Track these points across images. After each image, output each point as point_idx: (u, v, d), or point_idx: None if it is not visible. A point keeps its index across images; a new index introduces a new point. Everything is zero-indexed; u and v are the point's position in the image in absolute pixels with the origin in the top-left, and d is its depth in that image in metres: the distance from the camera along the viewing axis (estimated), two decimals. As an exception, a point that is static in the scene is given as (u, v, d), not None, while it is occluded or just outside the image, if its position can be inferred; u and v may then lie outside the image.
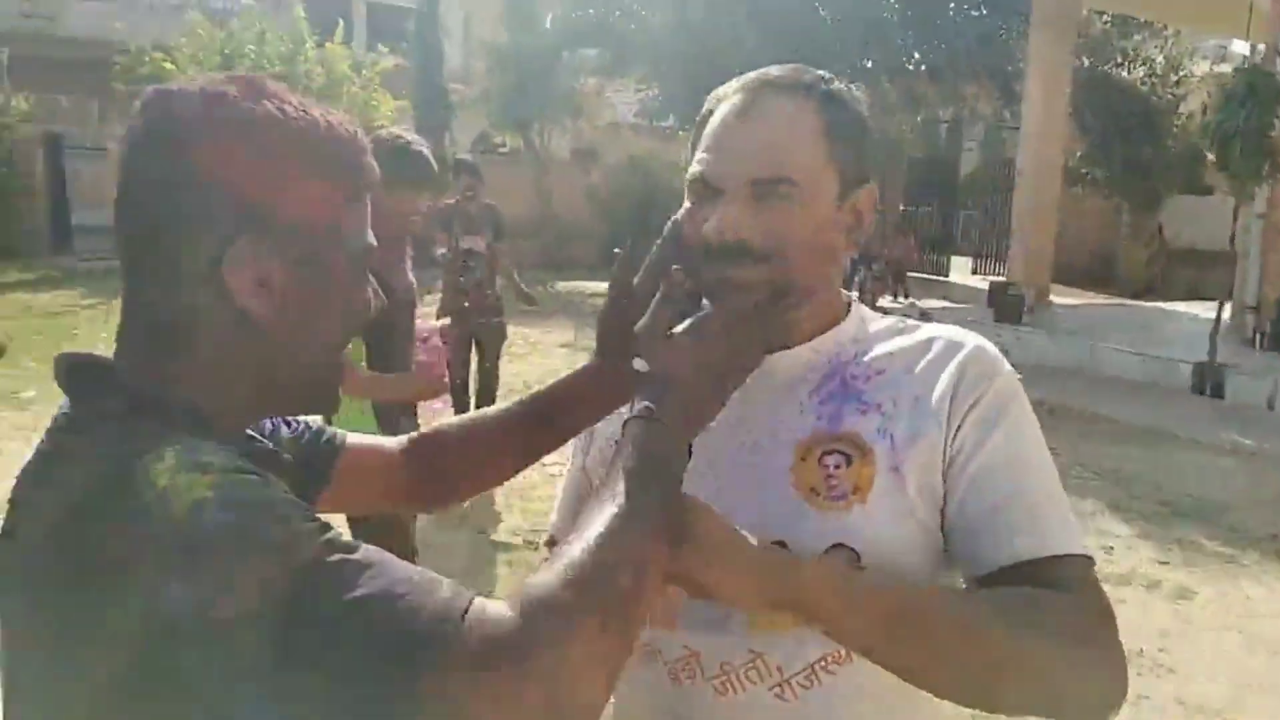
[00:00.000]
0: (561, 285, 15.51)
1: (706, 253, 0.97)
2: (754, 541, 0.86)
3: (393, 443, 1.12)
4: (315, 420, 1.06)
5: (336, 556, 0.64)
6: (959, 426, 0.98)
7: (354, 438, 1.08)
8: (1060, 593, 0.91)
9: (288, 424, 1.02)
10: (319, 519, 0.67)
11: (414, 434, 1.14)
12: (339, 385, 0.87)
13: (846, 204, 1.00)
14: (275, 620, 0.61)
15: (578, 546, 0.71)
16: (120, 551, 0.64)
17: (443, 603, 0.64)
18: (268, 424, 0.98)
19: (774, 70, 1.02)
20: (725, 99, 1.01)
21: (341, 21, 16.97)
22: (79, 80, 16.81)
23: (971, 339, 1.05)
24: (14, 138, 14.56)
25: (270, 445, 0.91)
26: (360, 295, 0.83)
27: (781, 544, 0.92)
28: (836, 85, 1.02)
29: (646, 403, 0.84)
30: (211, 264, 0.73)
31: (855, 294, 1.17)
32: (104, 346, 0.82)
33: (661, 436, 0.82)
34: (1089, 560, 0.96)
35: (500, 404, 1.16)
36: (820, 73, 1.03)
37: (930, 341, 1.04)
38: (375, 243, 0.83)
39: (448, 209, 5.58)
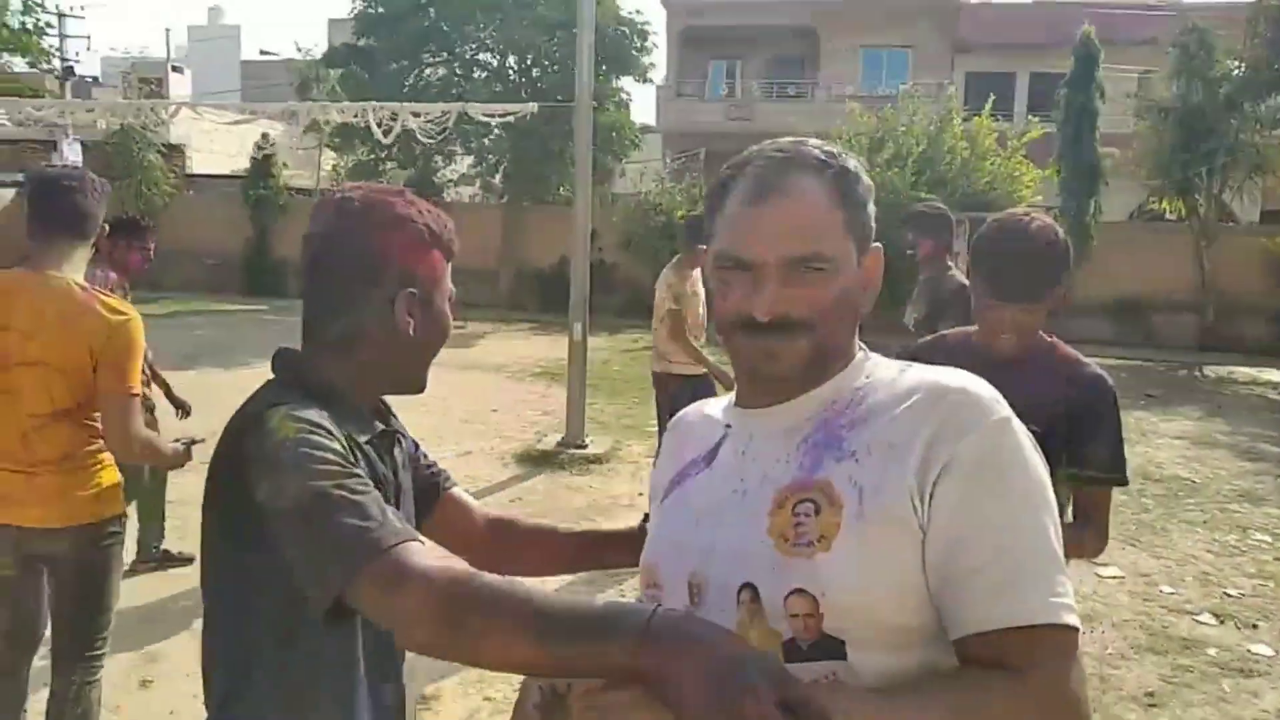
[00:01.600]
0: (1213, 370, 13.60)
1: (747, 326, 1.04)
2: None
3: (481, 513, 1.54)
4: (441, 467, 1.55)
5: (339, 492, 1.08)
6: (935, 480, 0.95)
7: (459, 490, 1.54)
8: (1025, 675, 0.90)
9: (428, 460, 1.53)
10: (351, 466, 1.12)
11: (499, 514, 1.55)
12: (423, 381, 1.39)
13: (861, 267, 1.07)
14: (298, 513, 1.08)
15: (501, 583, 0.97)
16: (244, 458, 1.14)
17: (380, 537, 1.04)
18: (413, 446, 1.48)
19: (783, 146, 1.07)
20: (740, 174, 1.07)
21: (994, 95, 17.29)
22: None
23: (958, 381, 1.02)
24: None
25: (394, 430, 1.37)
26: (449, 321, 1.36)
27: (753, 588, 0.99)
28: (843, 158, 1.08)
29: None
30: (385, 303, 1.28)
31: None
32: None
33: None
34: (1070, 632, 0.92)
35: (565, 525, 1.59)
36: (825, 146, 1.09)
37: (916, 386, 1.03)
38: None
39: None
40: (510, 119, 10.10)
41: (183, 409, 4.73)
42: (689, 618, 0.90)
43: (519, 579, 0.98)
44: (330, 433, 1.16)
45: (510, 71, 20.28)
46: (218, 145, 23.22)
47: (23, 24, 17.62)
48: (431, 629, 0.98)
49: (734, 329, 1.05)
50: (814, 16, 24.82)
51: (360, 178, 18.79)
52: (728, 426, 1.14)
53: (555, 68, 19.25)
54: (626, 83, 21.30)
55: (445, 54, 20.26)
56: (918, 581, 0.95)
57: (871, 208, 1.08)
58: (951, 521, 0.93)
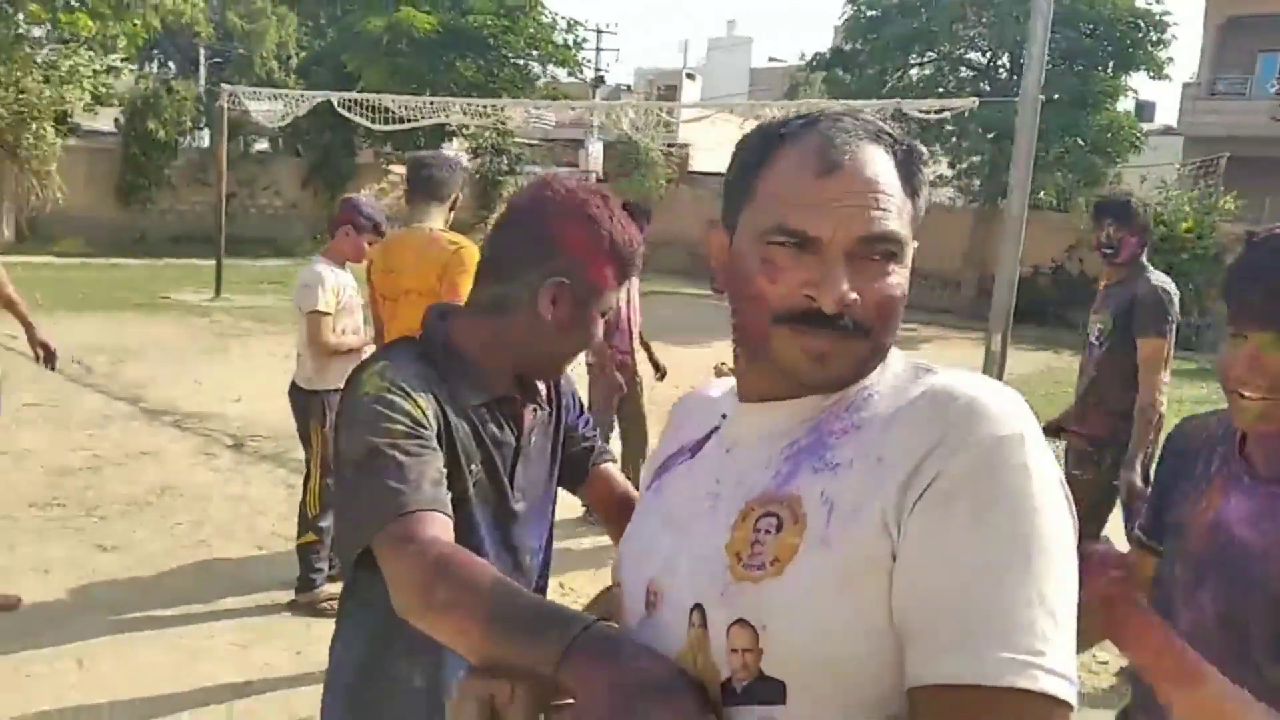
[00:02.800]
0: None
1: (804, 318, 0.87)
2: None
3: (620, 490, 1.58)
4: (600, 444, 1.61)
5: (392, 451, 1.18)
6: (916, 501, 0.78)
7: (609, 466, 1.60)
8: None
9: (588, 435, 1.58)
10: (418, 428, 1.22)
11: (629, 494, 1.57)
12: (558, 371, 1.45)
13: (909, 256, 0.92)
14: (353, 464, 1.20)
15: (489, 573, 1.01)
16: (343, 409, 1.30)
17: (401, 501, 1.14)
18: (576, 419, 1.56)
19: (841, 111, 0.93)
20: (793, 138, 0.91)
21: None
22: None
23: (970, 388, 0.82)
24: (1215, 235, 15.28)
25: (517, 397, 1.41)
26: (592, 332, 1.39)
27: (703, 611, 0.86)
28: (905, 137, 0.92)
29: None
30: (538, 284, 1.34)
31: None
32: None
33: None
34: (1047, 703, 0.71)
35: None
36: (882, 122, 0.93)
37: (924, 391, 0.85)
38: (615, 306, 1.35)
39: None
40: (947, 115, 9.66)
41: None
42: (620, 637, 0.86)
43: (499, 574, 1.01)
44: (409, 394, 1.24)
45: (1001, 70, 19.30)
46: (722, 145, 25.32)
47: (565, 40, 20.93)
48: (408, 593, 1.04)
49: (781, 320, 0.87)
50: None
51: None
52: (723, 416, 1.01)
53: (1050, 65, 17.89)
54: (1139, 79, 19.07)
55: (932, 54, 19.89)
56: (881, 623, 0.78)
57: (925, 198, 0.94)
58: (920, 550, 0.77)
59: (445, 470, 1.24)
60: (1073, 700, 0.72)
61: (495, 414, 1.37)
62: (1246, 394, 1.33)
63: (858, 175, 0.87)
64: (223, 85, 15.61)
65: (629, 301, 5.25)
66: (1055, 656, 0.72)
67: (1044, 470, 0.78)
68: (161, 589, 4.11)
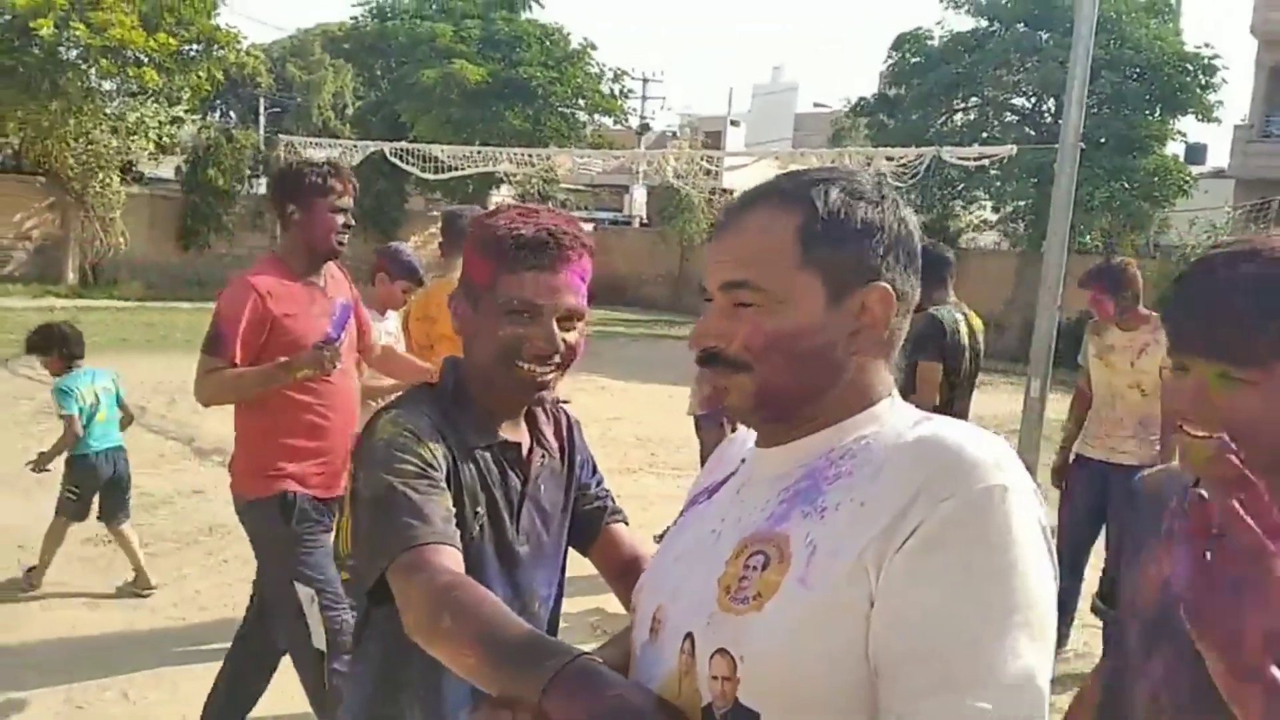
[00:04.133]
0: None
1: (699, 359, 0.99)
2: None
3: (629, 552, 1.53)
4: (611, 503, 1.58)
5: (404, 489, 1.24)
6: (898, 547, 0.81)
7: (619, 526, 1.55)
8: None
9: (599, 493, 1.57)
10: (429, 470, 1.27)
11: (638, 556, 1.52)
12: (514, 397, 1.41)
13: (844, 306, 0.94)
14: (369, 503, 1.26)
15: (489, 604, 1.07)
16: (359, 452, 1.34)
17: (414, 535, 1.20)
18: (589, 476, 1.57)
19: (779, 178, 1.00)
20: None
21: None
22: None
23: (959, 437, 0.86)
24: None
25: (516, 442, 1.43)
26: (498, 337, 1.34)
27: (690, 637, 0.92)
28: (840, 186, 0.95)
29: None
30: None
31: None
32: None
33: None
34: None
35: None
36: (829, 174, 0.97)
37: (916, 440, 0.89)
38: (536, 302, 1.33)
39: None
40: (986, 162, 9.69)
41: None
42: (601, 669, 0.90)
43: (501, 604, 1.10)
44: (419, 438, 1.30)
45: (1045, 115, 19.27)
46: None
47: (611, 90, 21.38)
48: (415, 617, 1.11)
49: (698, 363, 1.00)
50: None
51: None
52: (743, 461, 1.08)
53: (1096, 109, 17.84)
54: (1188, 123, 18.92)
55: (975, 99, 19.93)
56: (853, 662, 0.82)
57: (874, 248, 0.94)
58: (902, 596, 0.80)
59: (454, 511, 1.29)
60: None
61: (500, 457, 1.40)
62: (1192, 431, 1.11)
63: (726, 237, 0.98)
64: (280, 135, 16.18)
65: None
66: (1028, 707, 0.77)
67: (1026, 522, 0.81)
68: (208, 624, 4.24)
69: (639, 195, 21.99)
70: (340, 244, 2.79)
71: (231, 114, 26.77)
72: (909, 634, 0.79)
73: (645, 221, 22.23)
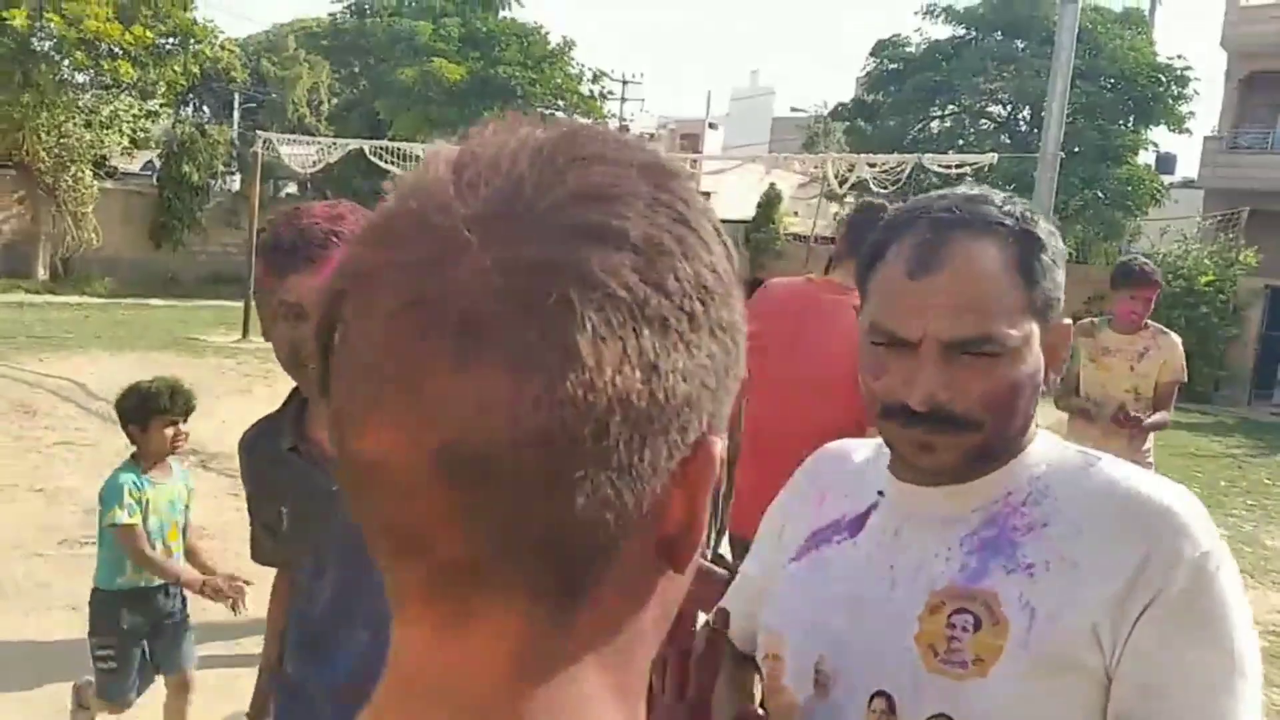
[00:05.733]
0: None
1: (902, 411, 0.89)
2: None
3: None
4: None
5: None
6: (1137, 619, 0.82)
7: None
8: None
9: None
10: (245, 483, 1.58)
11: None
12: (304, 389, 1.45)
13: (1045, 341, 0.91)
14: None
15: None
16: None
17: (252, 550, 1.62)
18: None
19: (958, 201, 0.91)
20: (902, 232, 0.92)
21: None
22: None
23: (1164, 497, 0.86)
24: (1235, 289, 15.26)
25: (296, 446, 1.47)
26: (274, 334, 1.38)
27: (888, 698, 0.89)
28: (1028, 215, 0.90)
29: None
30: None
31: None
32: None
33: None
34: None
35: None
36: (1006, 200, 0.91)
37: (1112, 494, 0.88)
38: (300, 303, 1.33)
39: None
40: (967, 170, 9.81)
41: None
42: None
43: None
44: (245, 448, 1.58)
45: (1021, 123, 19.49)
46: (742, 193, 25.60)
47: (591, 91, 21.40)
48: None
49: (884, 415, 0.91)
50: None
51: (852, 227, 19.57)
52: (880, 494, 1.00)
53: (1071, 119, 18.08)
54: (1159, 133, 19.23)
55: (953, 107, 20.13)
56: None
57: (1060, 276, 0.91)
58: (1150, 667, 0.81)
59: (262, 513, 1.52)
60: None
61: (308, 456, 1.42)
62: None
63: (948, 277, 0.87)
64: (256, 131, 16.03)
65: None
66: None
67: (1234, 576, 0.85)
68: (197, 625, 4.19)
69: (616, 196, 22.11)
70: None
71: (205, 109, 26.48)
72: (1161, 698, 0.81)
73: (624, 223, 22.34)
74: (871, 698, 0.90)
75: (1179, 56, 19.10)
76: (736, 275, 0.43)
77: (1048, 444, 0.96)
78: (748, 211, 24.24)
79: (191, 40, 17.89)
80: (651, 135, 33.96)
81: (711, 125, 32.82)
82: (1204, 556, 0.83)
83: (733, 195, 25.87)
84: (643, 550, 0.41)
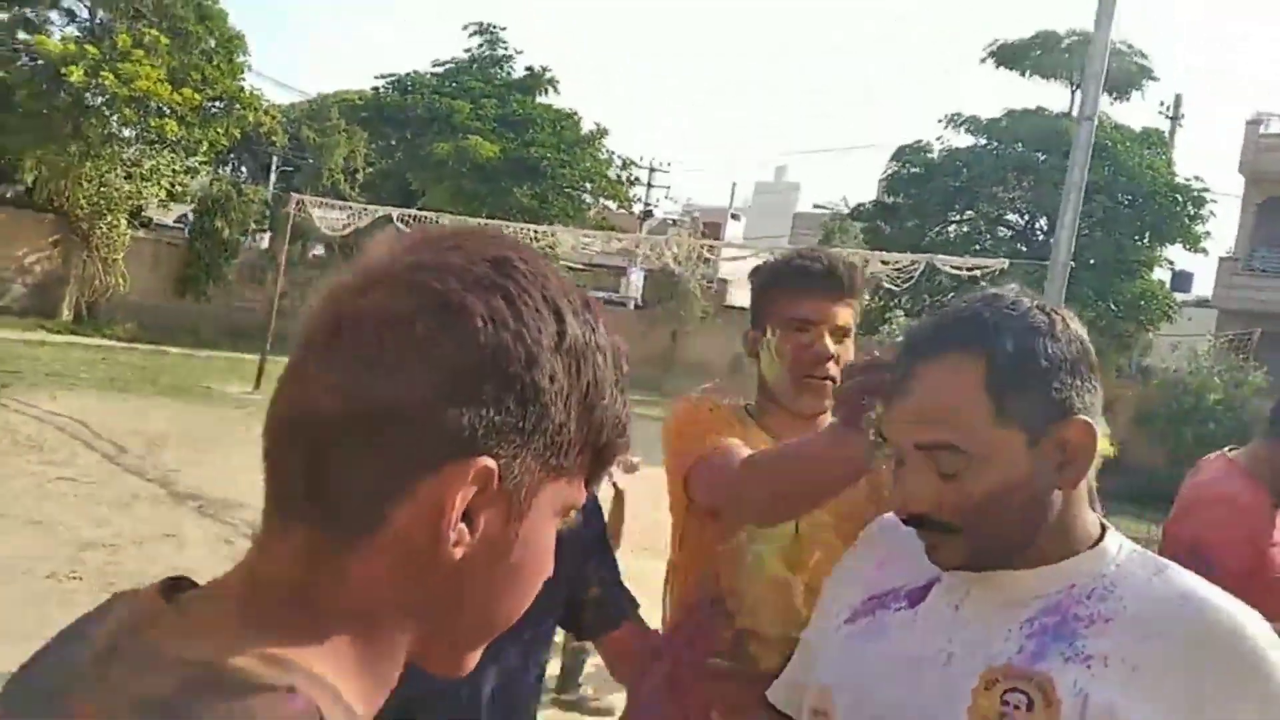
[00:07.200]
0: None
1: (905, 518, 0.97)
2: None
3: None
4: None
5: None
6: None
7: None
8: None
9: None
10: None
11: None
12: None
13: (1044, 447, 0.92)
14: None
15: None
16: None
17: None
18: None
19: (949, 313, 0.97)
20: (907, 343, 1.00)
21: None
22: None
23: (1229, 614, 0.88)
24: (1245, 408, 15.23)
25: None
26: None
27: None
28: (1011, 330, 0.91)
29: None
30: None
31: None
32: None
33: None
34: None
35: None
36: (1005, 310, 0.93)
37: (1177, 602, 0.90)
38: None
39: None
40: (978, 274, 9.99)
41: None
42: None
43: None
44: None
45: (1038, 233, 19.76)
46: (758, 284, 25.98)
47: (618, 176, 21.94)
48: None
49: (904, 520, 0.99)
50: None
51: (863, 327, 19.79)
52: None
53: (1087, 232, 18.33)
54: (1175, 251, 19.45)
55: (971, 213, 20.47)
56: None
57: (1062, 380, 0.91)
58: None
59: None
60: None
61: None
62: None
63: (914, 397, 0.94)
64: (291, 193, 16.48)
65: None
66: None
67: None
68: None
69: (636, 278, 22.40)
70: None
71: (243, 169, 27.21)
72: None
73: (640, 304, 22.56)
74: None
75: (1196, 178, 19.42)
76: (586, 349, 0.57)
77: (1118, 545, 0.97)
78: (764, 302, 24.54)
79: (237, 105, 18.54)
80: (674, 221, 34.62)
81: (734, 216, 33.43)
82: (1271, 681, 0.85)
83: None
84: (409, 534, 0.52)
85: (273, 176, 25.71)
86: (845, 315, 1.57)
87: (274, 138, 22.76)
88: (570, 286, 0.59)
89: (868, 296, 20.57)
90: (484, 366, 0.52)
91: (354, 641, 0.52)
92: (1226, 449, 2.13)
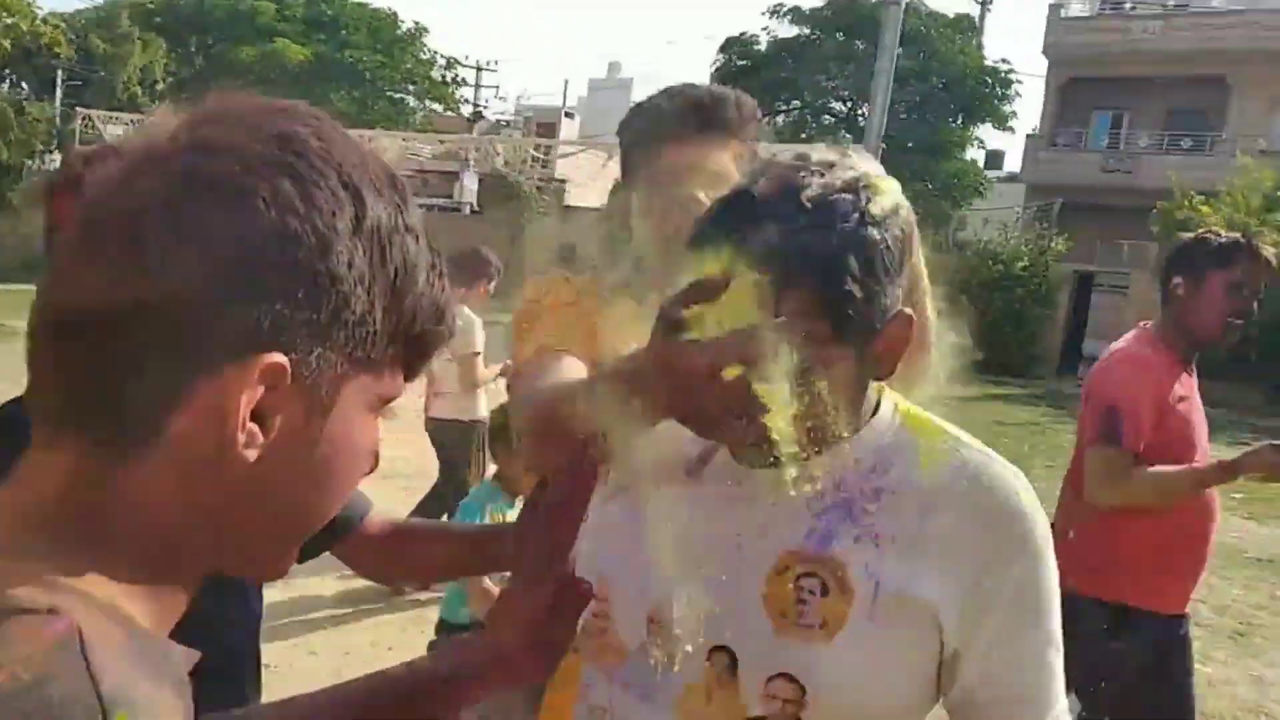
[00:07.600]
0: None
1: None
2: None
3: (372, 523, 1.21)
4: None
5: None
6: (982, 607, 0.87)
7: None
8: None
9: None
10: None
11: (392, 521, 1.24)
12: None
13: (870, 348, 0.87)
14: None
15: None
16: None
17: None
18: None
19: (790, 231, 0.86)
20: None
21: None
22: (1124, 227, 18.09)
23: (1005, 486, 0.90)
24: (1047, 273, 16.48)
25: None
26: None
27: (730, 653, 0.89)
28: (849, 241, 0.81)
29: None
30: None
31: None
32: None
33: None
34: None
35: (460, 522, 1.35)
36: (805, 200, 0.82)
37: (959, 473, 0.89)
38: None
39: None
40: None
41: None
42: None
43: None
44: None
45: (860, 119, 20.39)
46: (597, 180, 25.72)
47: (443, 77, 21.12)
48: None
49: None
50: (1225, 65, 22.04)
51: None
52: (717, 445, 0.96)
53: (904, 115, 19.06)
54: (986, 130, 20.48)
55: (797, 102, 20.88)
56: (917, 699, 0.89)
57: (890, 282, 0.83)
58: (991, 652, 0.87)
59: None
60: None
61: None
62: None
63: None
64: (78, 108, 15.11)
65: None
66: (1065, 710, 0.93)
67: (1054, 563, 0.91)
68: None
69: (470, 183, 21.80)
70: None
71: (24, 85, 24.68)
72: (1005, 681, 0.89)
73: (476, 209, 22.04)
74: (711, 652, 0.89)
75: (1004, 60, 20.40)
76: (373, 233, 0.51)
77: (897, 413, 0.94)
78: (604, 199, 24.43)
79: (5, 14, 16.68)
80: (507, 122, 33.76)
81: (569, 114, 32.79)
82: (1040, 548, 0.89)
83: (587, 182, 25.92)
84: (191, 441, 0.48)
85: (59, 92, 23.44)
86: (723, 160, 1.27)
87: (57, 49, 20.67)
88: (376, 164, 0.54)
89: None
90: (266, 255, 0.47)
91: (138, 556, 0.49)
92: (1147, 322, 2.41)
